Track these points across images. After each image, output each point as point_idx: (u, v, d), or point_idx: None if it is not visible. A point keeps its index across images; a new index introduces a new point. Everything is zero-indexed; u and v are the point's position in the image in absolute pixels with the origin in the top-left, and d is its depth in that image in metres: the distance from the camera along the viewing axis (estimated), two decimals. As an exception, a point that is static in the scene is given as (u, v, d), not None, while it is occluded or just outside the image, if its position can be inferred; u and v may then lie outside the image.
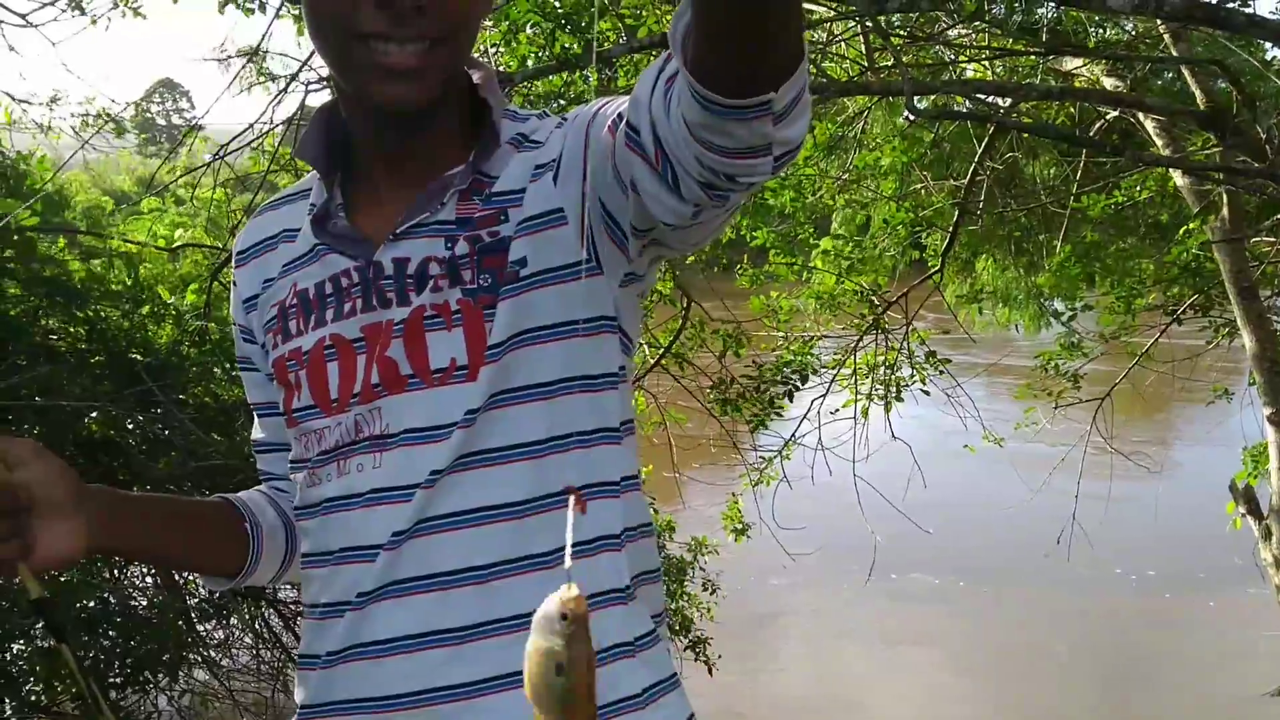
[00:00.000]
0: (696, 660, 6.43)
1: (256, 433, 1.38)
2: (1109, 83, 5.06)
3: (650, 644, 1.18)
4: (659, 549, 4.53)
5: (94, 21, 4.87)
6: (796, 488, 5.75)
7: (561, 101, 4.08)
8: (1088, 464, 6.02)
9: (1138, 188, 5.74)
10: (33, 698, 4.73)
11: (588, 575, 1.12)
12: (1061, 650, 7.75)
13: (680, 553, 6.67)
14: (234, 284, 1.34)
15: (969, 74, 5.32)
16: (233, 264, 1.35)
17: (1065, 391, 5.94)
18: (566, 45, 3.56)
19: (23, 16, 4.83)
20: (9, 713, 4.62)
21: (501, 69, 3.87)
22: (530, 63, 3.78)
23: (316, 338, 1.19)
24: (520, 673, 1.09)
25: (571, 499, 1.05)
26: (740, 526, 6.52)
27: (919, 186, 6.04)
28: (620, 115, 1.07)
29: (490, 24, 3.81)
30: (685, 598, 6.59)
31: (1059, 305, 6.79)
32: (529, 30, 3.70)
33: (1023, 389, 6.28)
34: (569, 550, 0.90)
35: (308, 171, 1.30)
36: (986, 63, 4.96)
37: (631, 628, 1.16)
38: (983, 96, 4.73)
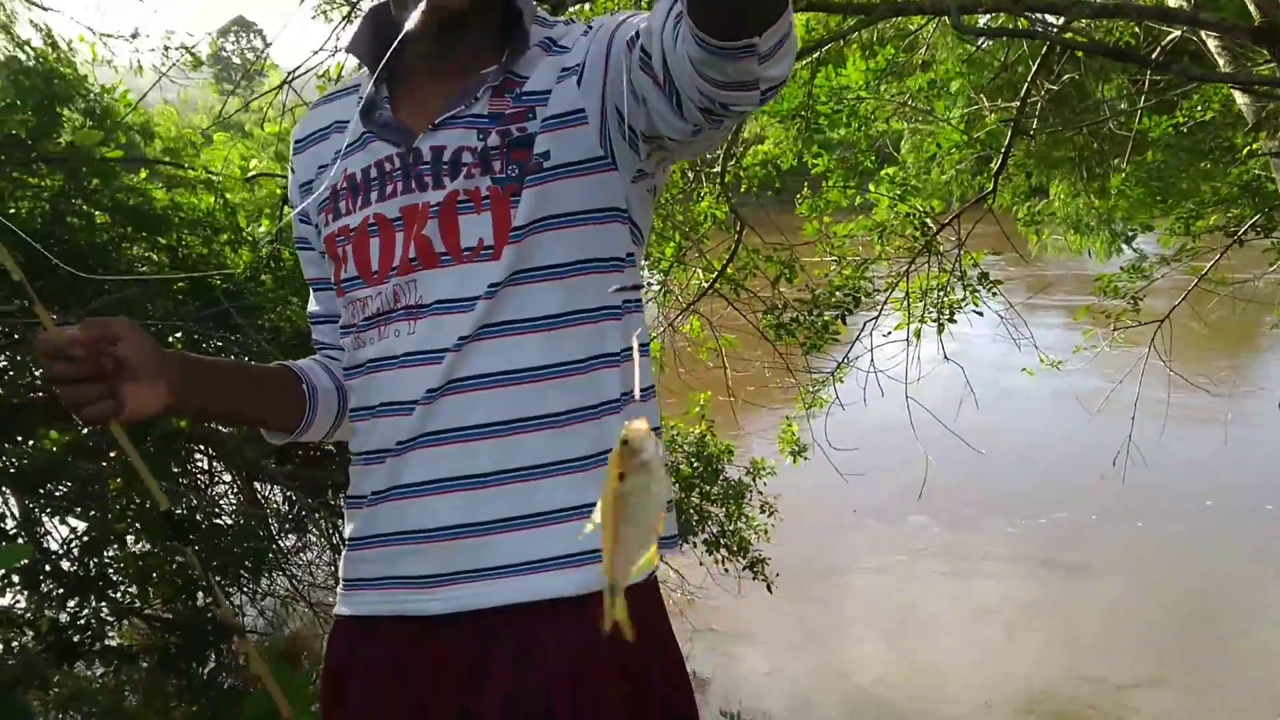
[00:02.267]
0: (755, 579, 6.61)
1: (312, 305, 1.55)
2: (1173, 1, 4.98)
3: None
4: (718, 473, 4.70)
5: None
6: (850, 413, 5.83)
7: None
8: (1148, 396, 5.99)
9: (1199, 108, 5.65)
10: (126, 600, 5.08)
11: (596, 432, 1.32)
12: (1124, 583, 7.74)
13: (738, 475, 6.83)
14: (291, 171, 1.50)
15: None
16: (292, 150, 1.50)
17: (1124, 314, 5.91)
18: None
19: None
20: (105, 613, 4.97)
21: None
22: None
23: (362, 216, 1.35)
24: (533, 515, 1.29)
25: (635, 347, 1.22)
26: (797, 449, 6.64)
27: (975, 107, 6.00)
28: (638, 34, 1.20)
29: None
30: (744, 519, 6.76)
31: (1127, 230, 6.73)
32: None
33: (1081, 311, 6.25)
34: (636, 389, 1.16)
35: None
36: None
37: None
38: (1036, 14, 4.68)
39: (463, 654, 1.32)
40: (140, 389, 1.24)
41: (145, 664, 5.03)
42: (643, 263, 1.49)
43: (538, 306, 1.29)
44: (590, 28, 1.33)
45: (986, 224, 5.91)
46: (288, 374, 1.48)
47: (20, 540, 4.87)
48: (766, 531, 6.79)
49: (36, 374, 5.00)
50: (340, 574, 1.46)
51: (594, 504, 1.27)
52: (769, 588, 6.61)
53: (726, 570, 6.74)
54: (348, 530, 1.45)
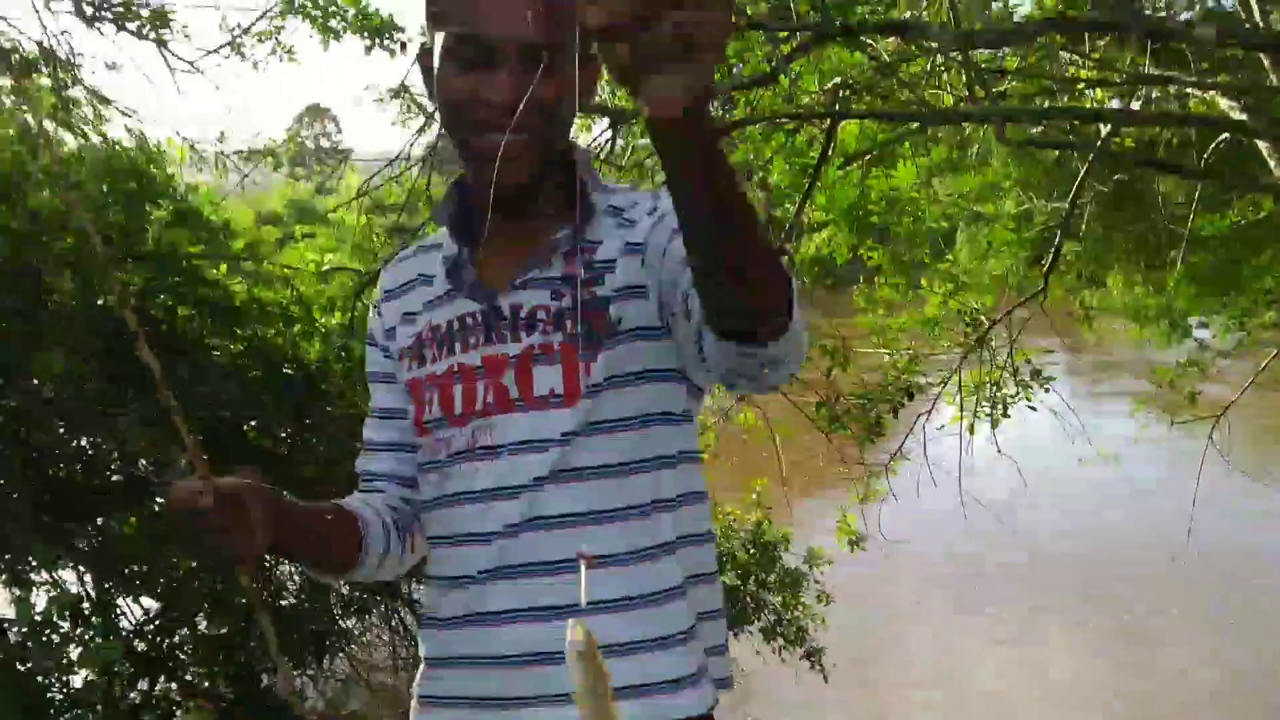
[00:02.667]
0: (812, 669, 6.58)
1: (370, 433, 1.66)
2: (1224, 103, 5.05)
3: (690, 639, 1.45)
4: (774, 560, 4.74)
5: (255, 66, 5.37)
6: (905, 502, 5.85)
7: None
8: (1206, 487, 5.93)
9: (1252, 208, 5.68)
10: (191, 680, 5.22)
11: (654, 570, 1.44)
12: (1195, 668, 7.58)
13: (796, 563, 6.85)
14: (379, 314, 1.66)
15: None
16: (378, 297, 1.68)
17: (1181, 408, 5.89)
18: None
19: (190, 63, 5.37)
20: (174, 693, 5.11)
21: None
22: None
23: (447, 365, 1.51)
24: (602, 646, 1.40)
25: (582, 562, 1.34)
26: (855, 538, 6.66)
27: (1025, 208, 6.08)
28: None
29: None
30: (800, 607, 6.76)
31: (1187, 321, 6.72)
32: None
33: (1138, 405, 6.25)
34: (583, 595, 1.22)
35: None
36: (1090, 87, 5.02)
37: (679, 622, 1.44)
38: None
39: None
40: (250, 540, 1.30)
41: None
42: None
43: (607, 455, 1.43)
44: (656, 207, 1.47)
45: (1041, 322, 5.97)
46: (343, 513, 1.55)
47: (94, 620, 5.05)
48: (824, 620, 6.78)
49: (115, 457, 5.23)
50: (416, 689, 1.57)
51: (657, 638, 1.42)
52: (825, 678, 6.58)
53: (784, 659, 6.72)
54: (425, 648, 1.57)
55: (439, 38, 1.41)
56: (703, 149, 0.91)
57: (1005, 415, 5.79)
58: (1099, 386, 9.58)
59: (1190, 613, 7.96)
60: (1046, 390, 5.74)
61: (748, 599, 6.67)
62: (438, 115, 1.50)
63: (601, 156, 4.70)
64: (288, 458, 5.30)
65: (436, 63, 1.42)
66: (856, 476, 6.22)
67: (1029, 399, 5.74)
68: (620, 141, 4.55)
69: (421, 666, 1.57)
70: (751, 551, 6.87)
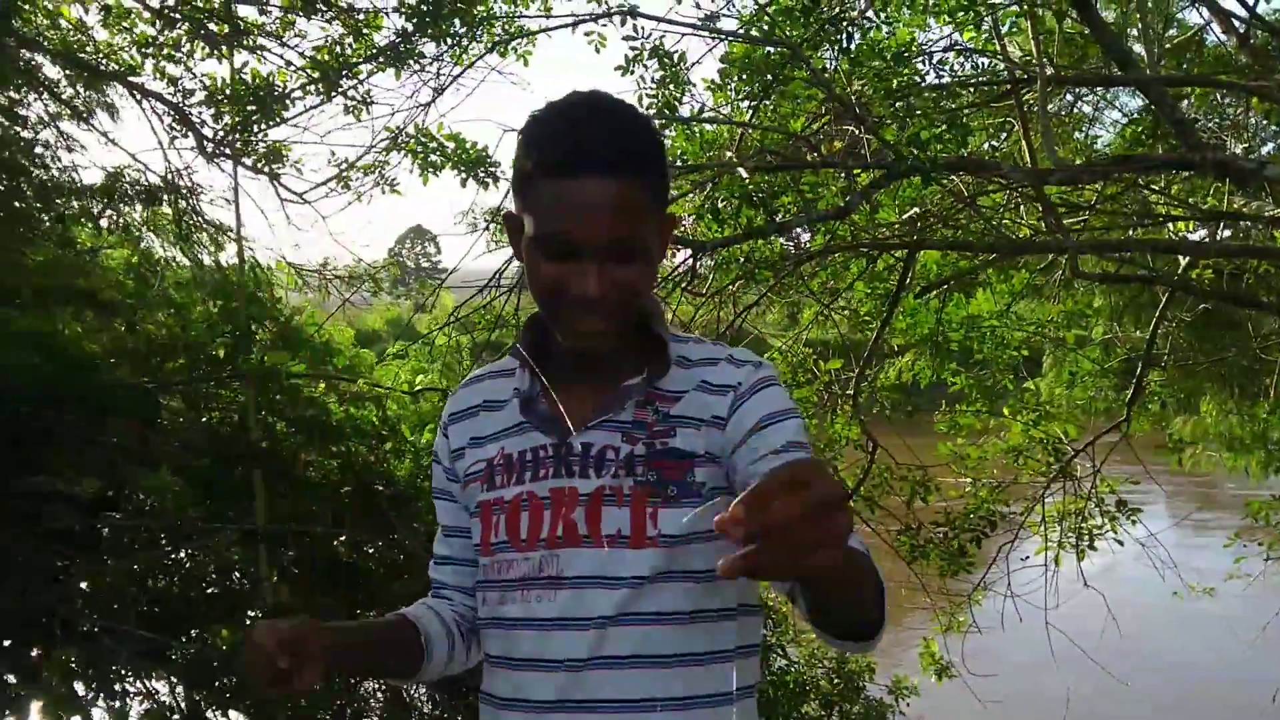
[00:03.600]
0: (902, 805, 6.41)
1: (439, 549, 1.77)
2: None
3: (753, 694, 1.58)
4: (858, 690, 4.74)
5: (359, 198, 5.68)
6: (990, 637, 5.72)
7: (745, 262, 4.51)
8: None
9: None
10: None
11: (710, 717, 1.51)
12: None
13: (879, 694, 6.72)
14: (445, 435, 1.75)
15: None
16: (444, 420, 1.77)
17: (1276, 543, 5.71)
18: (750, 217, 3.99)
19: (299, 195, 5.71)
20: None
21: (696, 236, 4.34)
22: (722, 232, 4.22)
23: (515, 492, 1.60)
24: (629, 701, 1.48)
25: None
26: (940, 667, 6.52)
27: (1108, 337, 6.06)
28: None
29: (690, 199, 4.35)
30: (884, 739, 6.61)
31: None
32: (720, 204, 4.15)
33: (1233, 538, 6.06)
34: None
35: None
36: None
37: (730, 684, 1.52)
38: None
39: None
40: (311, 673, 1.44)
41: None
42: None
43: (676, 603, 1.50)
44: (740, 383, 1.57)
45: (1127, 452, 5.87)
46: (405, 625, 1.69)
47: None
48: (910, 753, 6.61)
49: (211, 570, 5.41)
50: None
51: (689, 698, 1.50)
52: (914, 815, 6.39)
53: (874, 795, 6.55)
54: (485, 682, 1.64)
55: (527, 220, 1.51)
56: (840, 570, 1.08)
57: (1091, 547, 5.68)
58: (1193, 518, 9.27)
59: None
60: (1134, 522, 5.63)
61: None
62: (530, 289, 1.57)
63: (683, 285, 4.85)
64: (375, 572, 5.42)
65: (525, 242, 1.52)
66: (940, 607, 6.11)
67: (1114, 530, 5.62)
68: (700, 266, 4.69)
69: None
70: (835, 681, 6.76)
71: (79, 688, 4.21)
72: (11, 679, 3.37)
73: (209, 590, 5.46)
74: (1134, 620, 6.06)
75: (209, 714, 5.38)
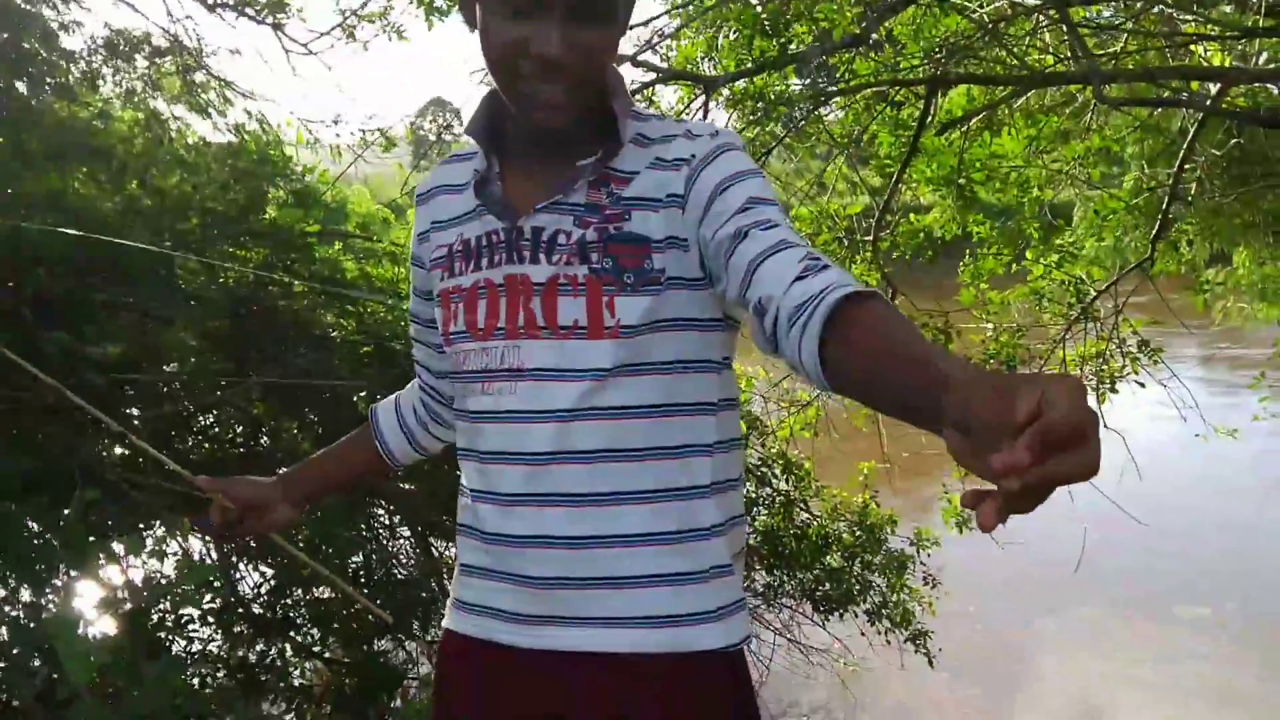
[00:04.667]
0: (916, 653, 6.51)
1: (411, 330, 1.81)
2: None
3: (728, 572, 1.52)
4: (880, 542, 4.76)
5: (365, 46, 5.56)
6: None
7: (760, 103, 4.36)
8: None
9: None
10: (309, 641, 5.44)
11: (685, 512, 1.49)
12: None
13: (901, 546, 6.78)
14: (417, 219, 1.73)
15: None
16: (416, 201, 1.73)
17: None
18: (763, 49, 3.84)
19: (304, 45, 5.60)
20: (289, 654, 5.34)
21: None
22: (731, 65, 4.08)
23: (473, 279, 1.55)
24: (623, 578, 1.47)
25: None
26: (962, 518, 6.57)
27: (1135, 176, 5.88)
28: (736, 235, 1.36)
29: (693, 33, 4.18)
30: (906, 590, 6.69)
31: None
32: (730, 35, 4.00)
33: (1258, 379, 5.98)
34: None
35: None
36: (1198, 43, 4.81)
37: (719, 557, 1.50)
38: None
39: (549, 683, 1.51)
40: (268, 514, 1.80)
41: (326, 708, 5.36)
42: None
43: (643, 397, 1.46)
44: (694, 155, 1.47)
45: (1152, 294, 5.75)
46: (364, 436, 1.90)
47: (216, 584, 5.30)
48: (931, 604, 6.69)
49: (234, 428, 5.49)
50: (451, 589, 1.65)
51: (678, 574, 1.48)
52: (930, 662, 6.50)
53: (889, 642, 6.66)
54: (459, 552, 1.64)
55: None
56: None
57: (1113, 390, 5.62)
58: (1222, 359, 9.19)
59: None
60: (1156, 363, 5.55)
61: (854, 581, 6.62)
62: (485, 61, 1.47)
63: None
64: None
65: (482, 3, 1.42)
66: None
67: (1135, 371, 5.55)
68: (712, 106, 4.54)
69: (456, 569, 1.64)
70: (858, 534, 6.82)
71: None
72: (35, 525, 3.44)
73: (237, 449, 5.53)
74: (1154, 464, 6.04)
75: (240, 566, 5.55)
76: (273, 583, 5.26)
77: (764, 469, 6.76)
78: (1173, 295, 6.17)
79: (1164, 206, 5.26)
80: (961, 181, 5.50)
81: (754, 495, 6.74)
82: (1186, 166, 5.36)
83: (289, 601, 5.32)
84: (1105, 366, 5.63)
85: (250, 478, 1.79)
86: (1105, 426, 6.10)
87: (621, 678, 1.48)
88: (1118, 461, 5.47)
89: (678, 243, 1.45)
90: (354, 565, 5.20)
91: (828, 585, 6.61)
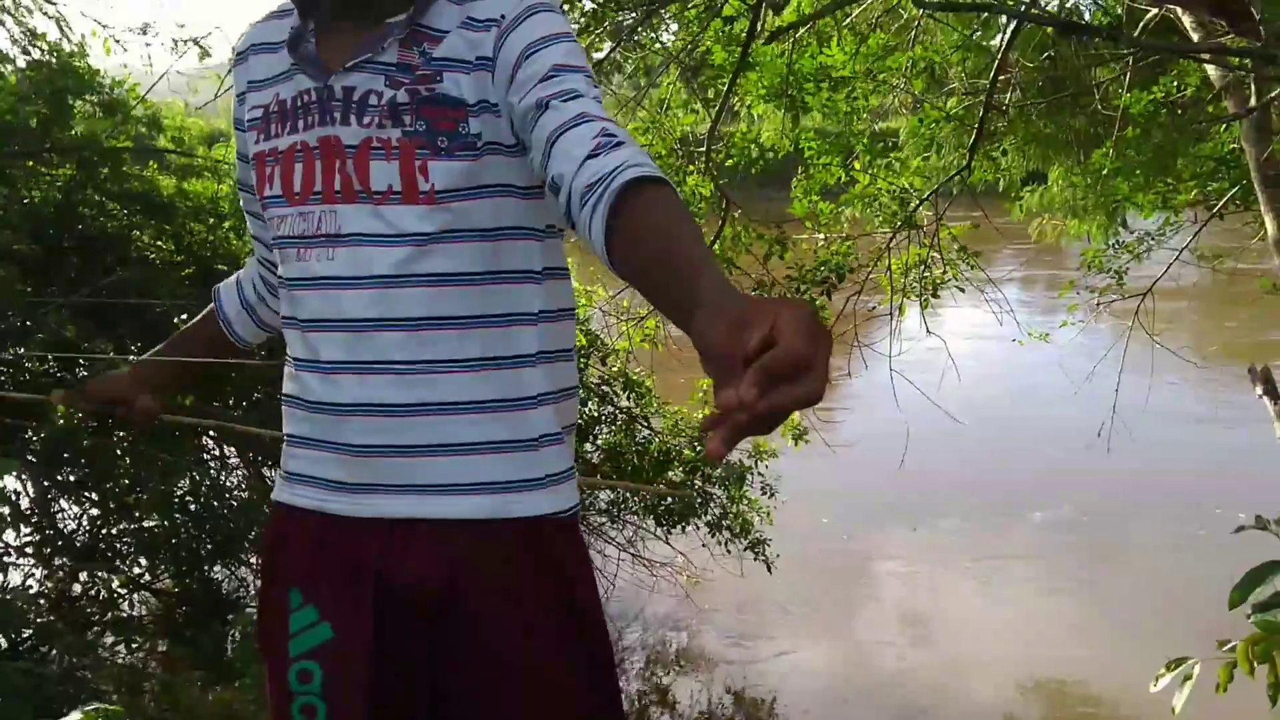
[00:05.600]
0: (756, 560, 6.72)
1: (252, 229, 1.71)
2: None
3: (557, 441, 1.52)
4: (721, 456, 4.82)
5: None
6: (838, 393, 5.88)
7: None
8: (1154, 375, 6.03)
9: (1176, 84, 5.72)
10: (137, 573, 5.27)
11: (509, 381, 1.47)
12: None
13: (740, 458, 6.95)
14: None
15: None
16: (233, 60, 1.64)
17: (1107, 289, 5.99)
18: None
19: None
20: (116, 586, 5.15)
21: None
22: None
23: (289, 141, 1.49)
24: (447, 445, 1.45)
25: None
26: (799, 432, 6.77)
27: (950, 88, 6.09)
28: (538, 106, 1.33)
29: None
30: (745, 501, 6.87)
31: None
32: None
33: (1066, 286, 6.34)
34: None
35: None
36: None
37: (548, 426, 1.50)
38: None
39: (379, 551, 1.49)
40: (139, 407, 1.78)
41: (159, 639, 5.21)
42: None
43: (464, 264, 1.43)
44: (503, 15, 1.42)
45: (973, 209, 6.00)
46: (210, 319, 1.84)
47: (34, 519, 5.06)
48: (769, 513, 6.90)
49: (50, 360, 5.21)
50: (281, 462, 1.61)
51: (505, 442, 1.46)
52: (769, 568, 6.72)
53: (729, 551, 6.84)
54: (285, 423, 1.59)
55: None
56: None
57: (934, 295, 5.85)
58: (1043, 286, 9.70)
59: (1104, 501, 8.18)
60: (974, 267, 5.80)
61: (694, 494, 6.76)
62: None
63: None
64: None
65: None
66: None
67: (955, 276, 5.79)
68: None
69: (285, 441, 1.60)
70: (698, 449, 6.94)
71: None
72: None
73: (55, 375, 5.25)
74: (974, 368, 6.32)
75: (60, 502, 5.30)
76: (94, 512, 5.05)
77: (605, 387, 6.82)
78: (998, 219, 6.44)
79: (981, 116, 5.46)
80: (792, 94, 5.59)
81: (596, 414, 6.80)
82: (1001, 78, 5.57)
83: (112, 533, 5.13)
84: (928, 274, 5.85)
85: (107, 374, 1.78)
86: (928, 333, 6.41)
87: (450, 545, 1.47)
88: (940, 365, 5.74)
89: (489, 107, 1.41)
90: (181, 490, 5.03)
91: (669, 500, 6.74)
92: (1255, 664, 2.31)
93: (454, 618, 1.50)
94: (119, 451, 5.11)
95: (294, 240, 1.49)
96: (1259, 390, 4.14)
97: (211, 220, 5.63)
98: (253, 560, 5.53)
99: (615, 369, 6.90)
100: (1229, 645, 2.34)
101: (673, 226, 1.12)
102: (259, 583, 1.69)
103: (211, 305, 1.84)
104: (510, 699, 1.52)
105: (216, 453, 5.98)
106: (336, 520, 1.51)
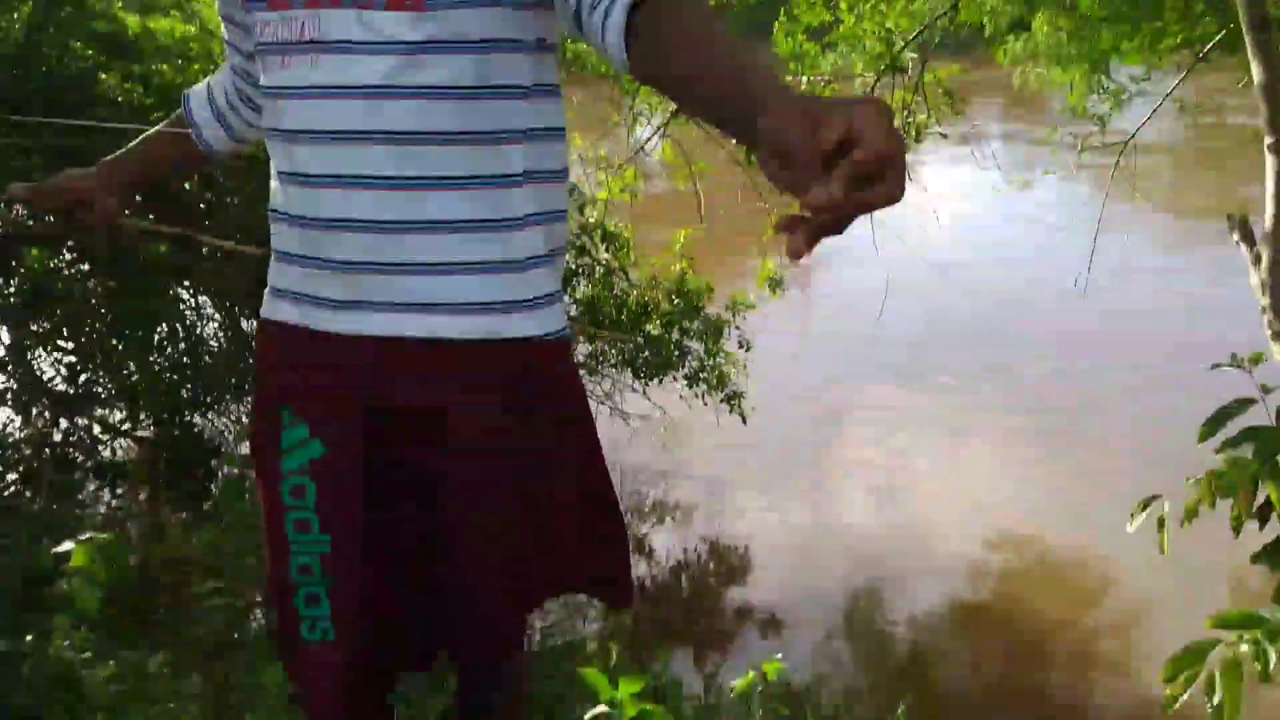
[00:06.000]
0: (731, 413, 6.81)
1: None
2: None
3: (545, 264, 1.51)
4: (698, 309, 4.78)
5: None
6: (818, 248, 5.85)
7: None
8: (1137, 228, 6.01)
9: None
10: (118, 420, 5.29)
11: (499, 199, 1.44)
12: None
13: (718, 311, 6.97)
14: None
15: None
16: None
17: (1090, 136, 5.94)
18: None
19: None
20: (97, 432, 5.18)
21: None
22: None
23: None
24: (436, 264, 1.43)
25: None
26: (775, 281, 6.79)
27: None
28: None
29: None
30: (722, 355, 6.92)
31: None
32: None
33: (1049, 133, 6.29)
34: None
35: None
36: None
37: (536, 248, 1.49)
38: None
39: (366, 369, 1.49)
40: (100, 208, 1.72)
41: (141, 484, 5.27)
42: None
43: (453, 76, 1.38)
44: None
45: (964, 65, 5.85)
46: (179, 123, 1.77)
47: (8, 367, 5.04)
48: (745, 366, 6.96)
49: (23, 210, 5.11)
50: (268, 278, 1.59)
51: (490, 261, 1.44)
52: (744, 420, 6.81)
53: (705, 404, 6.92)
54: (273, 238, 1.57)
55: None
56: None
57: (917, 140, 5.80)
58: (1024, 143, 9.63)
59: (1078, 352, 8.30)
60: (958, 114, 5.74)
61: (672, 347, 6.80)
62: None
63: None
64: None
65: None
66: (772, 209, 6.22)
67: (938, 120, 5.73)
68: None
69: (272, 256, 1.58)
70: (675, 301, 6.95)
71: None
72: None
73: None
74: (955, 213, 6.30)
75: (39, 352, 5.28)
76: (71, 360, 5.03)
77: (584, 238, 6.77)
78: (982, 74, 6.33)
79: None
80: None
81: (574, 266, 6.77)
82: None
83: (91, 379, 5.12)
84: (911, 118, 5.79)
85: (68, 172, 1.70)
86: (910, 179, 6.31)
87: (436, 364, 1.47)
88: (918, 222, 5.72)
89: None
90: (160, 335, 5.01)
91: (647, 353, 6.77)
92: (1218, 497, 2.37)
93: (446, 435, 1.51)
94: (94, 301, 5.08)
95: (277, 46, 1.43)
96: (1235, 237, 4.16)
97: (180, 61, 5.45)
98: (232, 408, 5.56)
99: (594, 220, 6.85)
100: (1194, 480, 2.41)
101: (705, 23, 1.08)
102: (245, 420, 1.68)
103: (179, 111, 1.77)
104: (504, 516, 1.55)
105: (193, 303, 5.94)
106: (324, 337, 1.51)
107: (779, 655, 2.66)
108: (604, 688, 1.84)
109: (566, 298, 6.94)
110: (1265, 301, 3.99)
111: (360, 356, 1.49)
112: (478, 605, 1.60)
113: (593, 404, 7.12)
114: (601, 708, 1.83)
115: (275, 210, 1.55)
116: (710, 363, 6.92)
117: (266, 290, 1.60)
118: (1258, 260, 4.03)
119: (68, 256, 5.10)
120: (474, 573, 1.57)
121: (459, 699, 1.79)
